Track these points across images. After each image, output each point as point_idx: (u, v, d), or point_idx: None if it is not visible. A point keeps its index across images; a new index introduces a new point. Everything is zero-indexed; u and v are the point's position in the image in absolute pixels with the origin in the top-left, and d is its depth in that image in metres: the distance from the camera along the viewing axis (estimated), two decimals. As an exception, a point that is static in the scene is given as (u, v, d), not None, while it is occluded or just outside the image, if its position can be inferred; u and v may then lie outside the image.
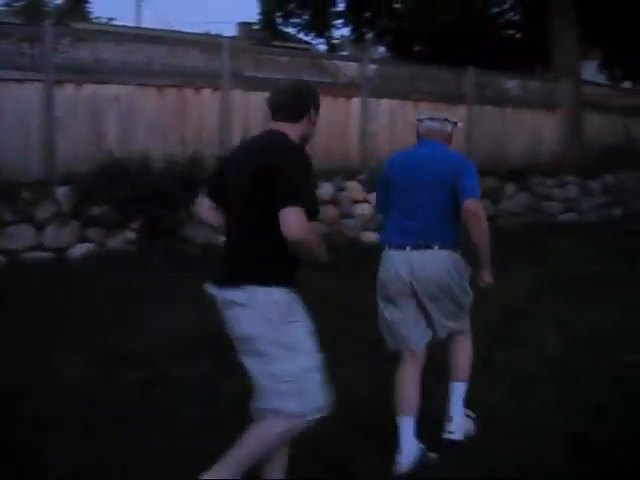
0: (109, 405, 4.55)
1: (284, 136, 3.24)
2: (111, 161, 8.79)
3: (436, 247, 4.00)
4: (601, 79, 18.09)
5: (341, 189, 10.88)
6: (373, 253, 8.01)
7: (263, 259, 3.17)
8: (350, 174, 11.13)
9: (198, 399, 4.63)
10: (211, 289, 3.26)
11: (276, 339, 3.11)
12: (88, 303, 6.80)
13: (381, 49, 20.69)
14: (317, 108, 3.45)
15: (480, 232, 3.94)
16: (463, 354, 4.31)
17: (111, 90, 9.16)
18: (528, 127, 13.43)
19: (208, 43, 10.11)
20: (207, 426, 4.23)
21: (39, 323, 6.11)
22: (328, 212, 10.60)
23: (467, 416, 4.30)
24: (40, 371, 5.06)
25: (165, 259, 8.62)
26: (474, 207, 3.92)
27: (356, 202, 11.01)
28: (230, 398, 4.55)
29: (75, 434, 4.14)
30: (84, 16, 27.79)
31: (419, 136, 4.28)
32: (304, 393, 3.13)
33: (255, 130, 10.10)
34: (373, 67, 11.80)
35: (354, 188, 11.03)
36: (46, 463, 3.84)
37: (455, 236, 4.08)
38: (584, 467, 3.87)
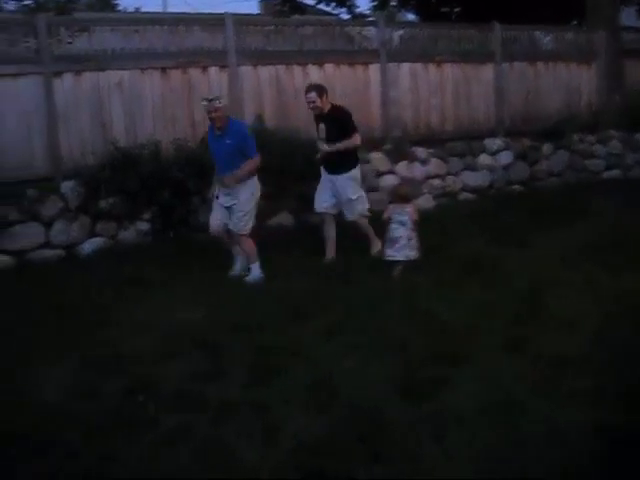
0: (87, 415, 4.19)
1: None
2: (117, 151, 8.46)
3: None
4: (642, 25, 17.05)
5: (364, 161, 10.34)
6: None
7: None
8: (373, 145, 10.61)
9: (183, 407, 4.22)
10: None
11: None
12: (90, 301, 6.48)
13: (410, 16, 19.95)
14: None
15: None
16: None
17: (112, 77, 8.80)
18: (563, 82, 12.63)
19: (210, 19, 9.64)
20: (187, 439, 3.85)
21: (36, 325, 5.82)
22: (352, 186, 10.11)
23: None
24: (20, 376, 4.73)
25: (179, 249, 8.29)
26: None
27: (381, 174, 10.48)
28: (216, 405, 4.18)
29: (43, 450, 3.80)
30: (112, 8, 27.58)
31: None
32: None
33: (268, 105, 9.84)
34: (391, 30, 11.17)
35: (378, 159, 10.50)
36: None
37: None
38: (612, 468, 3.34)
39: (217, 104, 6.98)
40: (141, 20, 9.04)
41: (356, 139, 7.64)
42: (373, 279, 6.65)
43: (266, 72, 9.82)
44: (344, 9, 15.92)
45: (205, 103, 7.06)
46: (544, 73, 12.37)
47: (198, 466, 3.58)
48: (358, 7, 15.54)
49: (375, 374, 4.39)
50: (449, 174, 11.15)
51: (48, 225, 8.25)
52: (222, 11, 9.24)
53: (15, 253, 8.01)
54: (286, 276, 7.05)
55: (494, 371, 4.36)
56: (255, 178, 7.26)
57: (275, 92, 9.92)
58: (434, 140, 11.17)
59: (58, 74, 8.46)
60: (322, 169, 7.92)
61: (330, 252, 7.83)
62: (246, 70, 9.66)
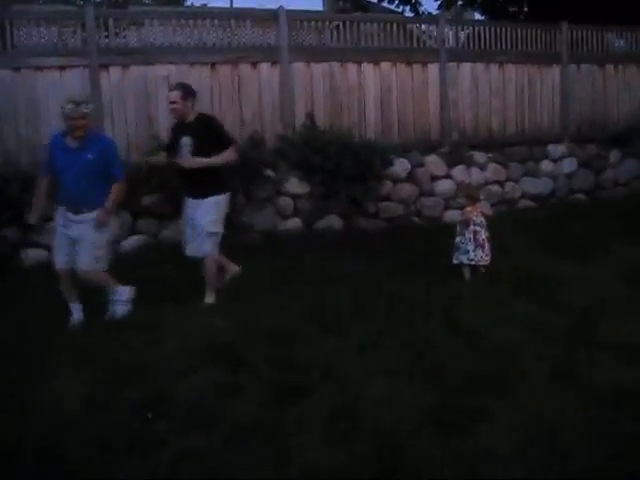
0: (94, 429, 3.90)
1: None
2: (161, 147, 8.22)
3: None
4: None
5: (419, 164, 9.93)
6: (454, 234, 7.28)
7: None
8: (429, 148, 10.18)
9: (194, 426, 3.90)
10: None
11: None
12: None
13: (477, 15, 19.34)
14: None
15: None
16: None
17: (160, 71, 8.60)
18: (635, 86, 11.94)
19: (263, 14, 9.37)
20: (193, 464, 3.52)
21: (59, 325, 5.60)
22: (404, 190, 9.71)
23: None
24: (35, 378, 4.49)
25: (220, 248, 8.01)
26: None
27: (436, 178, 10.04)
28: (229, 426, 3.85)
29: (45, 466, 3.53)
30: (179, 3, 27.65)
31: None
32: None
33: (320, 104, 9.49)
34: (452, 29, 10.73)
35: (434, 163, 10.06)
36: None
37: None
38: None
39: (84, 109, 5.56)
40: (191, 14, 8.82)
41: (233, 153, 6.22)
42: (416, 291, 6.22)
43: (319, 69, 9.51)
44: (408, 7, 15.49)
45: (70, 107, 5.52)
46: (614, 76, 11.73)
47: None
48: (422, 5, 15.06)
49: (405, 400, 3.99)
50: (508, 180, 10.65)
51: (88, 221, 8.09)
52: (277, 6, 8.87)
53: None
54: (327, 283, 6.71)
55: (537, 404, 3.92)
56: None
57: (328, 90, 9.59)
58: (494, 144, 10.70)
59: (104, 67, 8.31)
60: (185, 199, 6.39)
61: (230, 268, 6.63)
62: (298, 67, 9.36)
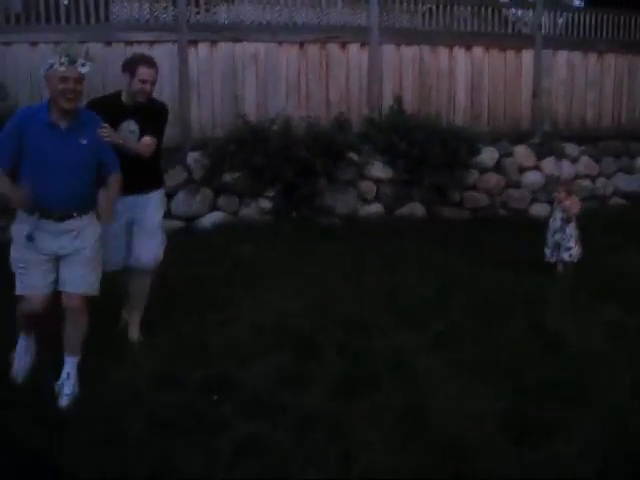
0: (158, 406, 3.88)
1: None
2: (246, 125, 8.21)
3: None
4: None
5: (508, 154, 9.62)
6: (541, 228, 7.01)
7: None
8: (519, 137, 9.84)
9: (257, 413, 3.81)
10: None
11: None
12: (197, 280, 6.21)
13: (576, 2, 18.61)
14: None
15: None
16: None
17: (248, 49, 8.57)
18: None
19: (354, -6, 9.28)
20: (253, 453, 3.45)
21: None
22: (491, 180, 9.42)
23: None
24: (99, 357, 4.47)
25: (300, 230, 7.96)
26: None
27: (525, 169, 9.70)
28: (292, 417, 3.76)
29: (101, 442, 3.52)
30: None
31: None
32: None
33: (408, 88, 9.29)
34: (549, 14, 10.30)
35: (523, 154, 9.73)
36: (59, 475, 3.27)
37: None
38: None
39: (83, 69, 3.93)
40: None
41: (150, 145, 4.62)
42: (498, 287, 6.01)
43: (409, 52, 9.29)
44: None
45: (65, 63, 3.85)
46: None
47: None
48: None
49: (478, 403, 3.83)
50: (600, 175, 10.21)
51: (170, 195, 8.14)
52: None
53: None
54: (405, 272, 6.55)
55: (620, 422, 3.68)
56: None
57: (417, 74, 9.38)
58: (587, 137, 10.25)
59: (193, 43, 8.32)
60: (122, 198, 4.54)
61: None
62: (388, 49, 9.17)
